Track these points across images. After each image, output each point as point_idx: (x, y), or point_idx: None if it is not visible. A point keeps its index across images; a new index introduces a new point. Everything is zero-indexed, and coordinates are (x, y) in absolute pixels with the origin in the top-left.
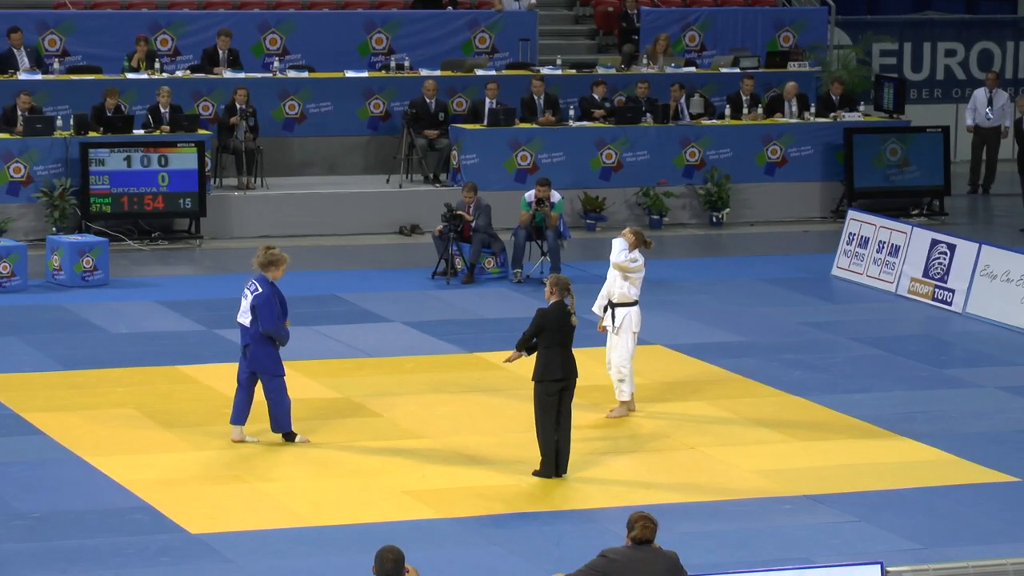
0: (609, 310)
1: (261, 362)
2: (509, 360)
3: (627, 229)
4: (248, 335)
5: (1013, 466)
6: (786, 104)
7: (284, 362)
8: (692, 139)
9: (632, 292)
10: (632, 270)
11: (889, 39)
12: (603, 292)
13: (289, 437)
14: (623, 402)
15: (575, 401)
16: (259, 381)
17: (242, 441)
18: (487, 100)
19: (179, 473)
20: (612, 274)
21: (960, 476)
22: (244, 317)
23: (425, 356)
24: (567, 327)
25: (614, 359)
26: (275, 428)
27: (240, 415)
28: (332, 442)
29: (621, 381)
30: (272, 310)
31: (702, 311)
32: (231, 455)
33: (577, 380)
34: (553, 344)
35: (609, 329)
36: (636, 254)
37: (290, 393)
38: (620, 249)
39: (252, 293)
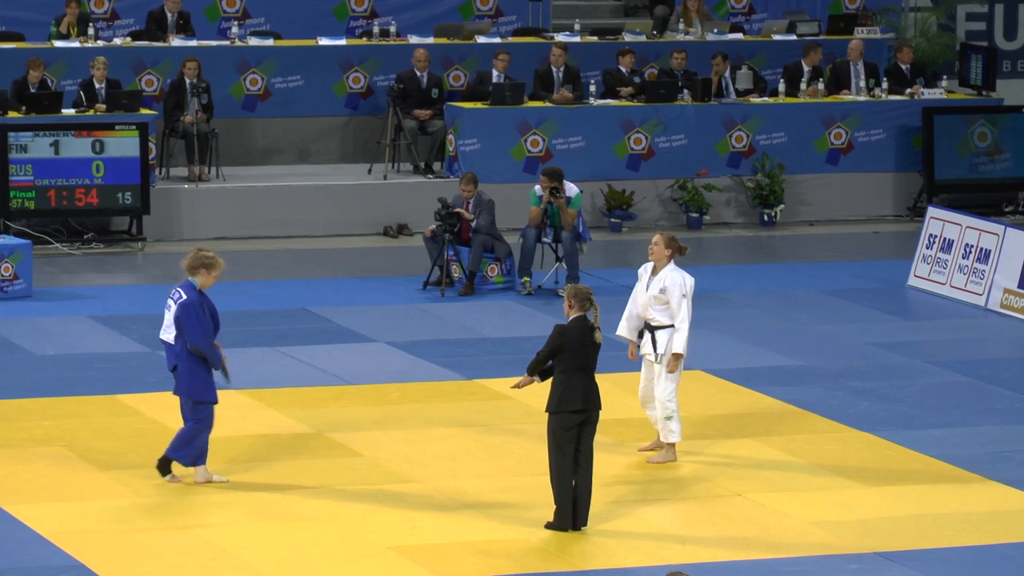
0: (647, 335)
1: (189, 386)
2: (518, 386)
3: (658, 236)
4: (174, 354)
5: None
6: (852, 70)
7: (243, 390)
8: (738, 120)
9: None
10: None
11: (977, 0)
12: (629, 311)
13: (165, 468)
14: (669, 444)
15: (597, 438)
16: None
17: (209, 482)
18: (495, 74)
19: (117, 524)
20: (644, 292)
21: None
22: (168, 332)
23: (415, 383)
24: (590, 348)
25: (659, 394)
26: (168, 451)
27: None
28: (301, 487)
29: (668, 419)
30: (200, 320)
31: (750, 329)
32: (179, 503)
33: (600, 412)
34: (573, 368)
35: (649, 357)
36: (687, 277)
37: (253, 427)
38: (684, 290)
39: (176, 302)
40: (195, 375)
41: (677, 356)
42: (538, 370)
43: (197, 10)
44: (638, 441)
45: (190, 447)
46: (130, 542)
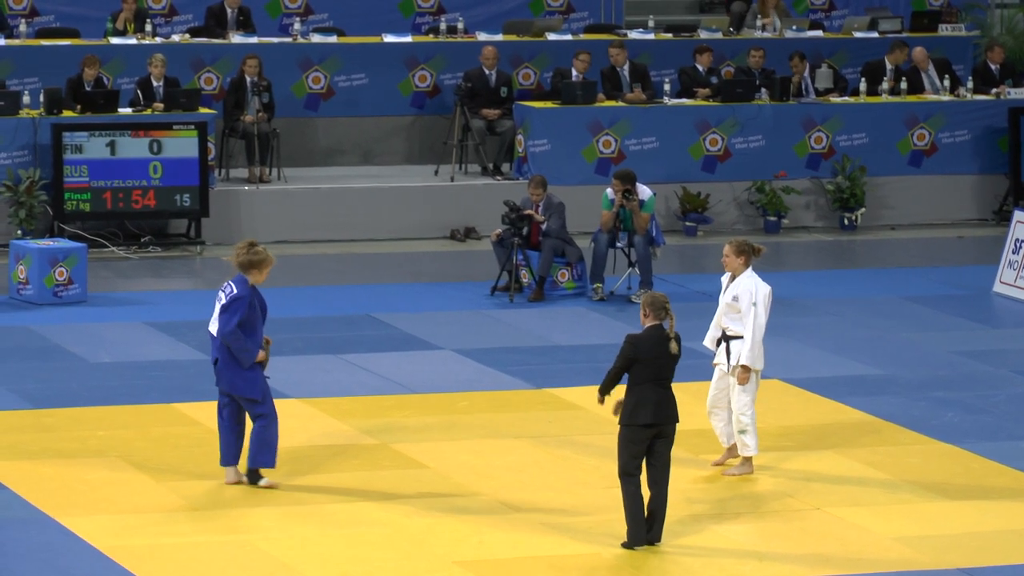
0: (723, 344)
1: (232, 383)
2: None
3: (727, 246)
4: (216, 347)
5: None
6: (925, 78)
7: (305, 399)
8: (818, 121)
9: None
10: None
11: None
12: (715, 320)
13: (255, 477)
14: (745, 458)
15: (672, 450)
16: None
17: (239, 483)
18: (575, 74)
19: (174, 537)
20: (723, 304)
21: None
22: (216, 325)
23: (482, 392)
24: (665, 358)
25: (734, 406)
26: (250, 463)
27: (230, 452)
28: (365, 499)
29: (743, 433)
30: (236, 314)
31: (830, 337)
32: (238, 515)
33: (677, 425)
34: (645, 380)
35: (723, 368)
36: (761, 285)
37: (315, 437)
38: (755, 299)
39: (227, 295)
40: (235, 371)
41: (744, 368)
42: (611, 390)
43: (258, 6)
44: (714, 453)
45: (268, 448)
46: (188, 556)
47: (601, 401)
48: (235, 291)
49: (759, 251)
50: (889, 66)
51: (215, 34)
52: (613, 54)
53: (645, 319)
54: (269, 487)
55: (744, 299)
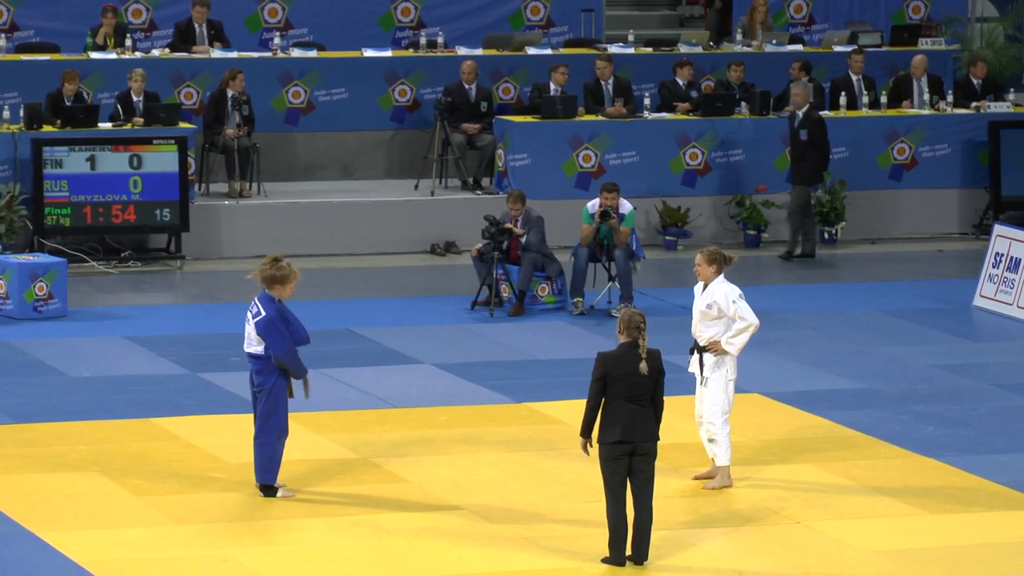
0: (696, 355)
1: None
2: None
3: (698, 256)
4: (259, 366)
5: None
6: (915, 85)
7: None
8: None
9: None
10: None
11: None
12: (694, 332)
13: (269, 492)
14: (720, 467)
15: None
16: None
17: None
18: (552, 87)
19: (154, 552)
20: (697, 312)
21: None
22: (251, 346)
23: (463, 407)
24: (635, 376)
25: (704, 414)
26: (259, 478)
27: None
28: (344, 513)
29: (712, 441)
30: (280, 333)
31: (810, 351)
32: (218, 531)
33: (657, 442)
34: (617, 397)
35: (697, 379)
36: (732, 286)
37: (294, 452)
38: (733, 297)
39: (254, 317)
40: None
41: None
42: (591, 426)
43: (238, 20)
44: (694, 467)
45: (272, 463)
46: (168, 571)
47: (584, 448)
48: (263, 313)
49: (731, 260)
50: (854, 77)
51: (181, 50)
52: (600, 67)
53: (620, 335)
54: (286, 496)
55: (725, 302)
